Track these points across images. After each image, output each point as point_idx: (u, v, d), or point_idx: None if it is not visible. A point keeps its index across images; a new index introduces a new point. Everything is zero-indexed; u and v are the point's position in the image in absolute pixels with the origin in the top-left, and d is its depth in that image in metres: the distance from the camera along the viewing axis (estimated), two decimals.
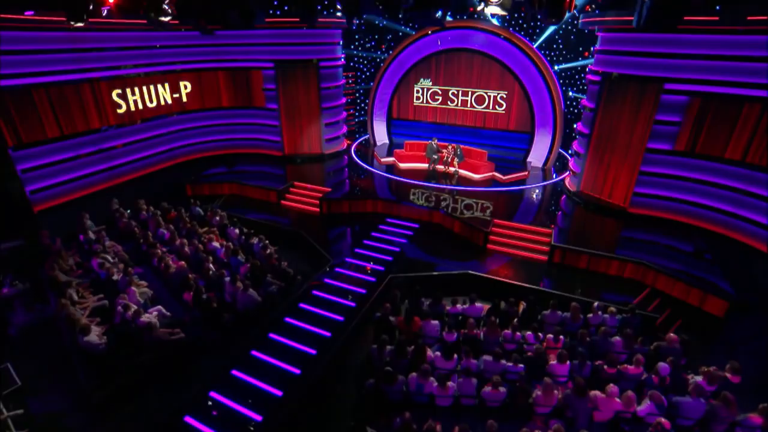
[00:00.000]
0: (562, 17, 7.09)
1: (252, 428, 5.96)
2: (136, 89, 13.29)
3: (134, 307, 7.17)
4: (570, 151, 15.23)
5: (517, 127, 16.12)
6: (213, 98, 15.71)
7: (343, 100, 17.15)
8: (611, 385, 5.52)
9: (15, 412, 5.82)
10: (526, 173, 14.91)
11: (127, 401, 6.26)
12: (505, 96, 15.90)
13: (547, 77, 14.65)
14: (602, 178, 11.89)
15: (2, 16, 9.47)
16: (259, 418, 6.08)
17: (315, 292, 8.79)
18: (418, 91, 17.37)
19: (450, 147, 14.93)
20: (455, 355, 6.31)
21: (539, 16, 7.85)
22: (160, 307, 7.59)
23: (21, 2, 9.05)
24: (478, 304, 7.65)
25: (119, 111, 12.89)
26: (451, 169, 14.84)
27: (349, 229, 12.10)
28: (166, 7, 8.76)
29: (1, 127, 10.06)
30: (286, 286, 8.59)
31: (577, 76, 17.54)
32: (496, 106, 16.20)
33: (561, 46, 17.22)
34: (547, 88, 14.74)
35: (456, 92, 16.71)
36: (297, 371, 6.87)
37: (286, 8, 14.47)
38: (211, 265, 8.67)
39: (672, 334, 6.71)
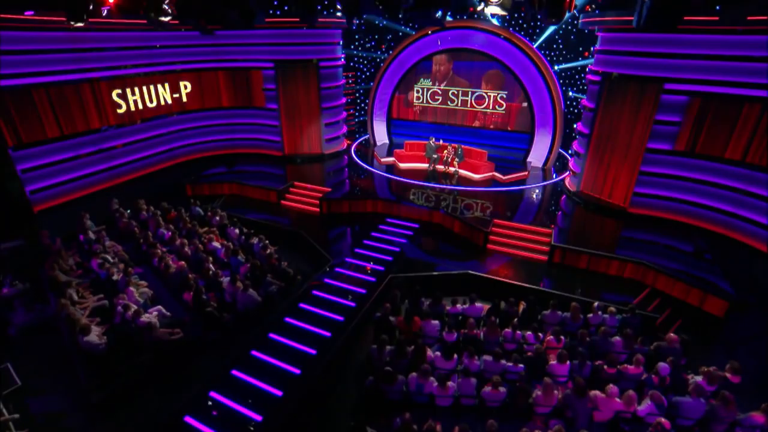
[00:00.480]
0: (562, 17, 7.10)
1: (252, 428, 5.96)
2: (136, 89, 13.30)
3: (134, 307, 7.17)
4: (570, 151, 15.23)
5: (517, 127, 16.14)
6: (213, 98, 15.72)
7: (343, 100, 17.16)
8: (611, 385, 5.52)
9: (11, 417, 5.78)
10: (526, 173, 14.91)
11: (127, 401, 6.26)
12: (505, 96, 15.92)
13: (547, 77, 14.65)
14: (602, 178, 11.89)
15: (2, 16, 9.47)
16: (259, 418, 6.07)
17: (315, 292, 8.79)
18: (418, 91, 17.40)
19: (450, 147, 14.94)
20: (455, 355, 6.31)
21: (539, 16, 7.85)
22: (160, 307, 7.59)
23: (21, 2, 9.05)
24: (478, 304, 7.65)
25: (119, 111, 12.90)
26: (451, 169, 14.85)
27: (349, 229, 12.10)
28: (166, 7, 8.76)
29: (1, 127, 10.07)
30: (286, 286, 8.59)
31: (577, 76, 17.56)
32: (496, 106, 16.21)
33: (561, 46, 17.23)
34: (547, 88, 14.74)
35: (456, 92, 16.73)
36: (297, 371, 6.87)
37: (286, 8, 14.49)
38: (211, 266, 8.67)
39: (672, 334, 6.71)
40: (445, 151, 14.96)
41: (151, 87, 13.77)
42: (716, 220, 10.34)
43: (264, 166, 15.71)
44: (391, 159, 16.21)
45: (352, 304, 8.47)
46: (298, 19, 13.33)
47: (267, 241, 9.62)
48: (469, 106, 16.69)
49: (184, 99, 14.97)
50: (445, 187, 13.77)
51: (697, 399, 5.41)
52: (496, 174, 14.57)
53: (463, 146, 14.99)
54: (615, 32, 11.06)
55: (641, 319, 7.50)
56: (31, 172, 10.90)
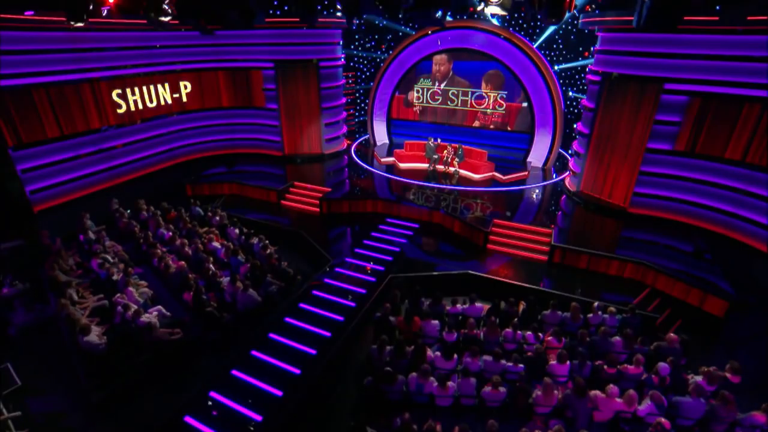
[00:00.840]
0: (562, 17, 7.10)
1: (252, 428, 5.96)
2: (136, 89, 13.30)
3: (134, 307, 7.17)
4: (570, 151, 15.23)
5: (517, 127, 16.14)
6: (213, 98, 15.72)
7: (343, 100, 17.16)
8: (611, 385, 5.52)
9: (13, 414, 5.79)
10: (526, 173, 14.91)
11: (127, 401, 6.26)
12: (505, 96, 15.92)
13: (547, 77, 14.65)
14: (602, 178, 11.89)
15: (2, 16, 9.47)
16: (259, 418, 6.07)
17: (315, 292, 8.79)
18: (418, 91, 17.41)
19: (450, 147, 14.96)
20: (455, 355, 6.31)
21: (539, 16, 7.85)
22: (160, 307, 7.59)
23: (21, 2, 9.05)
24: (478, 304, 7.65)
25: (119, 111, 12.90)
26: (451, 169, 14.85)
27: (349, 229, 12.10)
28: (166, 7, 8.75)
29: (1, 127, 10.07)
30: (286, 286, 8.59)
31: (577, 76, 17.56)
32: (496, 106, 16.22)
33: (561, 46, 17.24)
34: (547, 88, 14.74)
35: (456, 92, 16.74)
36: (297, 371, 6.87)
37: (286, 8, 14.49)
38: (211, 266, 8.67)
39: (672, 334, 6.71)
40: (445, 151, 14.97)
41: (151, 87, 13.78)
42: (716, 220, 10.34)
43: (264, 166, 15.71)
44: (391, 159, 16.21)
45: (352, 304, 8.47)
46: (298, 19, 13.32)
47: (267, 241, 9.62)
48: (469, 106, 16.70)
49: (184, 99, 14.97)
50: (445, 187, 13.78)
51: (697, 399, 5.41)
52: (496, 174, 14.57)
53: (463, 146, 15.01)
54: (615, 32, 11.06)
55: (641, 319, 7.49)
56: (31, 172, 10.90)
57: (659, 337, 6.94)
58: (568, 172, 13.94)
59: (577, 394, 5.43)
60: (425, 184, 13.97)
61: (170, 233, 9.87)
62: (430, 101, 17.35)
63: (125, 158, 13.39)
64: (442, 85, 16.88)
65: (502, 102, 16.03)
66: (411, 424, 5.09)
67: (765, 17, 7.92)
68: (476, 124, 16.87)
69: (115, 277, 8.08)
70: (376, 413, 5.76)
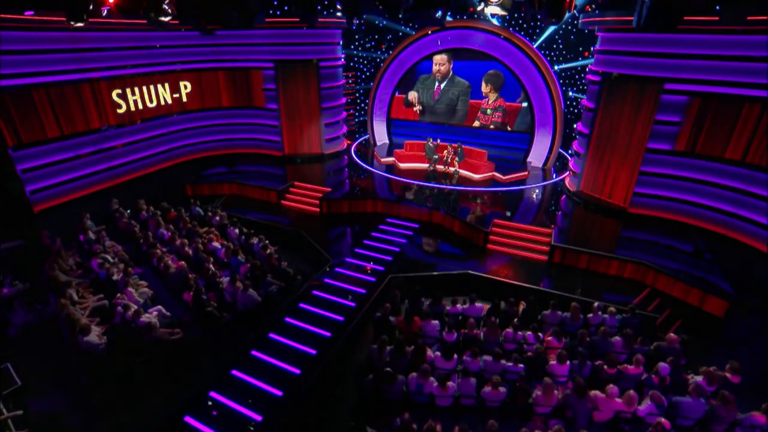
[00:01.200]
0: (562, 17, 7.10)
1: (252, 428, 5.96)
2: (136, 89, 13.30)
3: (134, 307, 7.17)
4: (570, 151, 15.23)
5: (517, 127, 16.14)
6: (213, 98, 15.72)
7: (343, 100, 17.16)
8: (611, 385, 5.52)
9: (14, 413, 5.79)
10: (526, 173, 14.91)
11: (127, 401, 6.26)
12: (504, 96, 15.90)
13: (547, 77, 14.65)
14: (602, 178, 11.89)
15: (2, 16, 9.47)
16: (259, 418, 6.07)
17: (315, 292, 8.79)
18: (418, 91, 17.40)
19: (450, 147, 14.96)
20: (455, 355, 6.31)
21: (539, 16, 7.86)
22: (160, 307, 7.59)
23: (21, 2, 9.05)
24: (478, 304, 7.65)
25: (119, 111, 12.90)
26: (451, 169, 14.86)
27: (349, 229, 12.10)
28: (166, 7, 8.76)
29: (1, 127, 10.07)
30: (286, 286, 8.59)
31: (577, 76, 17.56)
32: (496, 106, 16.20)
33: (561, 46, 17.24)
34: (547, 88, 14.74)
35: (456, 92, 16.72)
36: (297, 371, 6.87)
37: (286, 8, 14.50)
38: (211, 266, 8.67)
39: (672, 334, 6.71)
40: (445, 151, 14.98)
41: (151, 87, 13.77)
42: (716, 220, 10.34)
43: (264, 166, 15.71)
44: (391, 159, 16.21)
45: (352, 304, 8.47)
46: (298, 19, 13.34)
47: (267, 241, 9.62)
48: (469, 106, 16.69)
49: (184, 99, 14.97)
50: (445, 187, 13.77)
51: (697, 399, 5.41)
52: (496, 174, 14.58)
53: (463, 146, 15.01)
54: (615, 32, 11.06)
55: (641, 319, 7.49)
56: (31, 172, 10.90)
57: (659, 337, 6.94)
58: (568, 172, 13.94)
59: (577, 394, 5.43)
60: (425, 184, 13.97)
61: (170, 233, 9.87)
62: (430, 101, 17.35)
63: (125, 158, 13.39)
64: (442, 85, 16.88)
65: (502, 102, 16.02)
66: (411, 424, 5.09)
67: (765, 17, 7.92)
68: (476, 124, 16.87)
69: (115, 277, 8.08)
70: (376, 413, 5.76)
